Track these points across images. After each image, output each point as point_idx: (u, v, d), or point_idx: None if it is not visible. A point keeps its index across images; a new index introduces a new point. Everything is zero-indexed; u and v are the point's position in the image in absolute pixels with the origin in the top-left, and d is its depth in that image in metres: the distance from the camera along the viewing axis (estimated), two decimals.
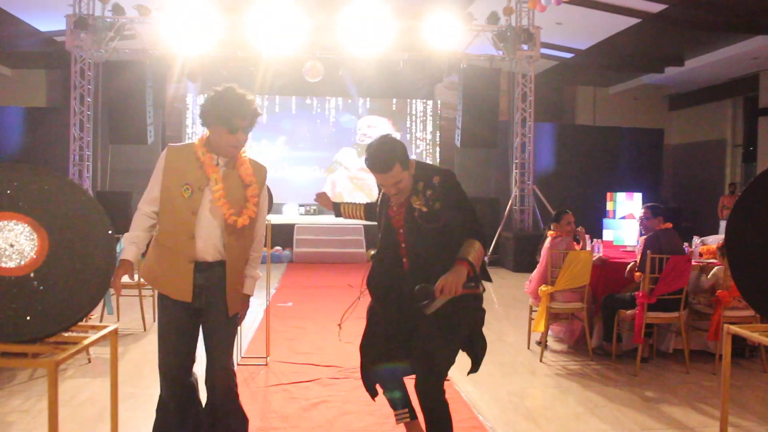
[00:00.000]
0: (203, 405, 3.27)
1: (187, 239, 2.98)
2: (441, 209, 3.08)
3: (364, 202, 3.89)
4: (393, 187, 3.09)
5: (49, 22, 12.44)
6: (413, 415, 3.51)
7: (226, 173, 3.08)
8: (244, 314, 3.35)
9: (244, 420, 3.36)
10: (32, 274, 1.90)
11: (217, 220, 3.03)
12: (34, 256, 1.92)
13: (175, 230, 3.01)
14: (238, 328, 3.48)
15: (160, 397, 3.15)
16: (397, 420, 3.54)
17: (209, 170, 3.00)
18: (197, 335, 3.18)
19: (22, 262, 1.91)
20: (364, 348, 3.54)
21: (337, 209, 3.93)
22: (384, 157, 3.02)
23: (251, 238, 3.21)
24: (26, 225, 1.94)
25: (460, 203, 3.14)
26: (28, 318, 1.86)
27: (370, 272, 3.48)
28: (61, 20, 11.78)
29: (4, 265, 1.88)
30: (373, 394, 3.51)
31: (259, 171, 3.22)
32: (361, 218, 3.90)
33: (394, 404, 3.51)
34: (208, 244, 3.03)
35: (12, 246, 1.92)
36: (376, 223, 3.48)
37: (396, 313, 3.32)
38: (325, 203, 3.99)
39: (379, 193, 3.42)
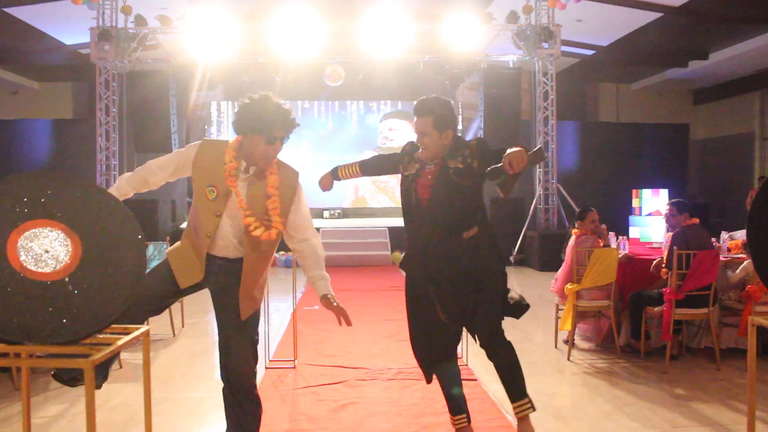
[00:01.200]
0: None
1: (204, 237, 3.04)
2: (479, 166, 3.30)
3: (358, 161, 4.09)
4: (420, 137, 3.39)
5: (73, 35, 12.68)
6: (469, 419, 3.73)
7: (252, 182, 3.08)
8: (345, 314, 3.23)
9: (258, 404, 3.30)
10: (67, 279, 1.96)
11: (240, 226, 3.06)
12: (69, 261, 1.97)
13: (198, 226, 3.08)
14: (267, 330, 3.51)
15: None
16: (455, 425, 3.71)
17: (229, 181, 3.01)
18: (169, 299, 3.22)
19: (57, 267, 1.96)
20: (419, 347, 3.69)
21: (335, 173, 4.09)
22: (425, 103, 3.40)
23: (274, 244, 3.19)
24: (60, 231, 1.99)
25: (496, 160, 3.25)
26: (64, 321, 1.92)
27: (404, 259, 3.68)
28: (86, 33, 12.00)
29: (40, 270, 1.94)
30: (429, 379, 3.75)
31: (290, 178, 3.22)
32: (358, 174, 4.06)
33: (453, 403, 3.71)
34: (228, 245, 3.09)
35: (47, 252, 1.97)
36: (374, 177, 3.87)
37: (434, 287, 3.50)
38: (326, 182, 4.16)
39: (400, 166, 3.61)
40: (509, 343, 3.54)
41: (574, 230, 5.99)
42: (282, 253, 12.35)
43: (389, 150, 16.27)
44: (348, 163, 4.08)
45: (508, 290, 3.59)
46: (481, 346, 3.55)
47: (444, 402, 4.14)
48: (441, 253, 3.45)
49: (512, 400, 3.55)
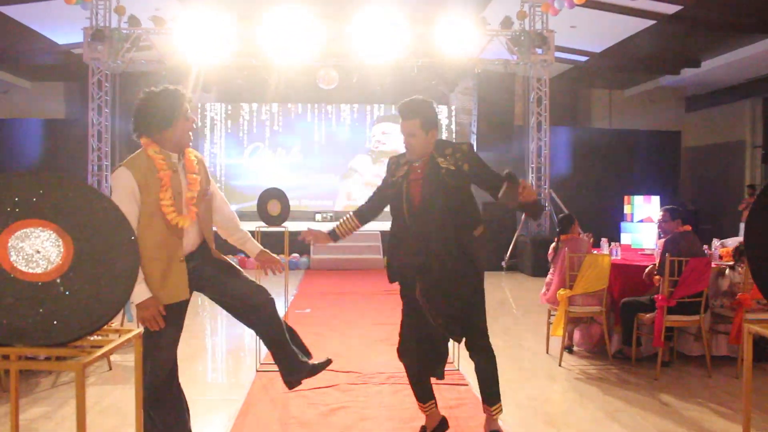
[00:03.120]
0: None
1: (177, 240, 3.13)
2: (469, 169, 3.49)
3: (352, 212, 3.95)
4: (407, 138, 3.47)
5: (66, 35, 12.62)
6: (436, 403, 3.87)
7: (182, 170, 3.22)
8: (277, 262, 3.58)
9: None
10: (58, 280, 1.93)
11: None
12: (60, 262, 1.95)
13: (165, 239, 3.09)
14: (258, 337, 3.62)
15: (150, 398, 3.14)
16: (426, 412, 3.81)
17: (164, 174, 3.08)
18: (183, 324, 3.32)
19: (49, 268, 1.94)
20: (410, 357, 3.74)
21: (333, 234, 3.86)
22: (410, 106, 3.48)
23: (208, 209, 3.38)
24: (52, 231, 1.97)
25: (486, 166, 3.60)
26: (55, 322, 1.89)
27: (389, 261, 3.75)
28: (79, 33, 11.95)
29: (31, 270, 1.91)
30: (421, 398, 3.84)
31: (198, 156, 3.36)
32: (357, 227, 3.91)
33: (423, 392, 3.77)
34: (191, 238, 3.23)
35: (38, 252, 1.95)
36: (372, 222, 3.89)
37: (425, 288, 3.52)
38: (319, 238, 3.85)
39: (384, 182, 3.72)
40: (490, 346, 3.71)
41: (564, 236, 6.02)
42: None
43: (382, 153, 16.29)
44: (343, 219, 3.92)
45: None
46: (469, 344, 3.66)
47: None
48: (445, 251, 3.48)
49: (490, 402, 3.70)
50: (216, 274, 3.33)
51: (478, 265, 3.60)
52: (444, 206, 3.47)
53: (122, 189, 3.02)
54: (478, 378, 3.75)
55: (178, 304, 3.17)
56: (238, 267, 3.44)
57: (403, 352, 3.75)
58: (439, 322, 3.50)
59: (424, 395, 3.81)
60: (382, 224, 13.95)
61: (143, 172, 3.05)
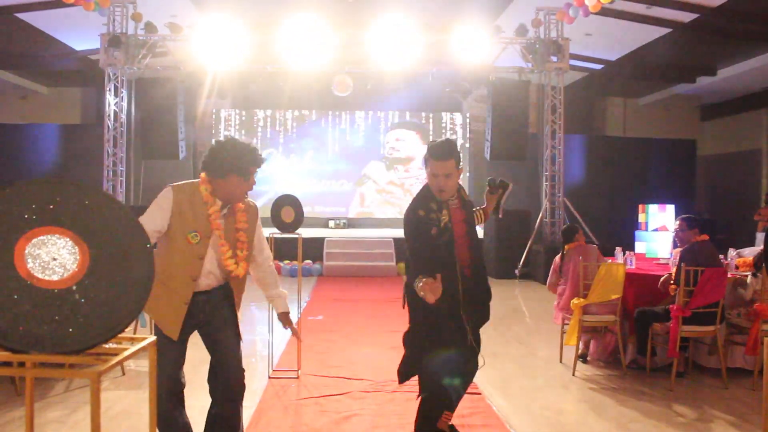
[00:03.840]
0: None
1: (189, 281, 3.13)
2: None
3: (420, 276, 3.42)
4: (443, 178, 3.44)
5: (83, 41, 12.75)
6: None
7: (227, 220, 3.21)
8: (294, 330, 3.65)
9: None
10: (74, 287, 1.94)
11: (220, 261, 3.20)
12: (76, 269, 1.95)
13: (177, 272, 3.12)
14: (271, 340, 3.58)
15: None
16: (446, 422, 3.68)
17: (215, 224, 3.13)
18: (186, 346, 3.31)
19: (65, 275, 1.94)
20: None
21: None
22: (447, 147, 3.50)
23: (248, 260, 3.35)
24: (68, 239, 1.97)
25: None
26: (71, 330, 1.90)
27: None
28: (95, 39, 12.07)
29: (47, 278, 1.92)
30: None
31: (253, 209, 3.37)
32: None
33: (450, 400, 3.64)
34: (211, 281, 3.21)
35: (55, 259, 1.96)
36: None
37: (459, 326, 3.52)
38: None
39: (425, 226, 3.48)
40: None
41: (569, 245, 6.03)
42: (287, 262, 12.35)
43: (396, 160, 16.31)
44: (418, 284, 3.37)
45: None
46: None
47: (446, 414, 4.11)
48: (472, 283, 3.57)
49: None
50: (221, 326, 3.29)
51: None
52: (476, 238, 3.67)
53: (157, 202, 3.13)
54: None
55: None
56: (239, 340, 3.37)
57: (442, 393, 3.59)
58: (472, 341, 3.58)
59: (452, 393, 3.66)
60: (395, 231, 13.97)
61: (185, 199, 3.11)
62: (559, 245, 11.85)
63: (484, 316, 3.72)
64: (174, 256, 3.11)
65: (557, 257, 6.20)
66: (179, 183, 3.20)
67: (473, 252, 3.59)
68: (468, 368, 3.64)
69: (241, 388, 3.34)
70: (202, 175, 3.19)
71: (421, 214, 3.49)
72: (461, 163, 3.63)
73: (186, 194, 3.14)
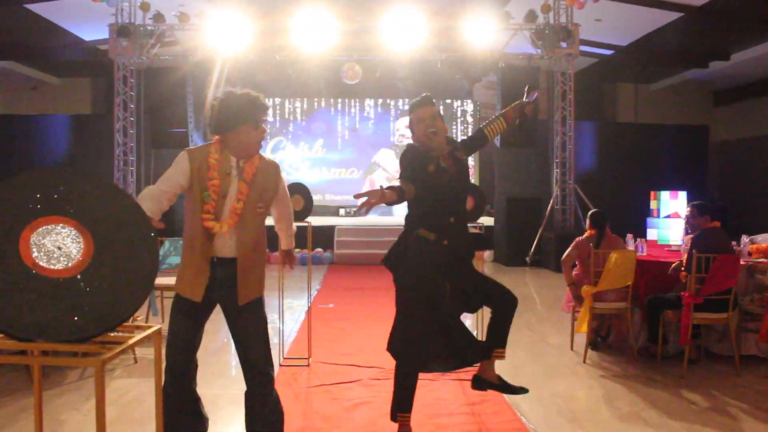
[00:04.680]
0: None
1: (206, 239, 3.13)
2: (464, 152, 3.81)
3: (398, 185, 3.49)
4: (430, 120, 3.54)
5: (92, 31, 12.76)
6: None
7: (240, 176, 3.18)
8: (293, 264, 3.97)
9: (280, 412, 3.43)
10: (79, 276, 1.94)
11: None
12: (81, 258, 1.95)
13: (197, 232, 3.14)
14: (282, 328, 3.57)
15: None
16: (403, 424, 3.72)
17: (210, 183, 3.11)
18: (203, 327, 3.31)
19: (69, 264, 1.94)
20: (423, 345, 3.68)
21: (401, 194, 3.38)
22: (428, 96, 3.66)
23: (262, 231, 3.33)
24: (72, 228, 1.97)
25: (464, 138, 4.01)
26: (76, 318, 1.90)
27: (413, 258, 3.64)
28: (104, 29, 12.06)
29: (52, 266, 1.92)
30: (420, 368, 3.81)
31: (272, 166, 3.35)
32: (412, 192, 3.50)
33: (410, 402, 3.73)
34: (227, 241, 3.17)
35: (59, 248, 1.96)
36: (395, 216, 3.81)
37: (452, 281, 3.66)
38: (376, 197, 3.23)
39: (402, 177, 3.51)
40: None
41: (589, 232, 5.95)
42: (297, 250, 12.37)
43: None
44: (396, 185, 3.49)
45: None
46: (501, 302, 3.69)
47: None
48: (458, 231, 3.69)
49: (497, 345, 3.71)
50: (242, 315, 3.25)
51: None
52: (466, 194, 3.78)
53: (174, 166, 3.16)
54: (495, 321, 3.72)
55: (192, 302, 3.17)
56: (258, 312, 3.32)
57: (413, 354, 3.65)
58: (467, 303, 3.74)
59: (409, 404, 3.73)
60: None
61: (199, 162, 3.12)
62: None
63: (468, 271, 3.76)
64: (195, 216, 3.13)
65: (586, 241, 5.93)
66: (191, 149, 3.21)
67: (462, 206, 3.77)
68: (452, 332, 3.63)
69: (263, 368, 3.28)
70: (214, 137, 3.21)
71: (422, 149, 3.57)
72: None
73: (201, 154, 3.15)
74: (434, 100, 3.68)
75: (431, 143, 3.55)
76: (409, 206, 3.68)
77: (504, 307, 3.70)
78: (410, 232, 3.67)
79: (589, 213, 6.15)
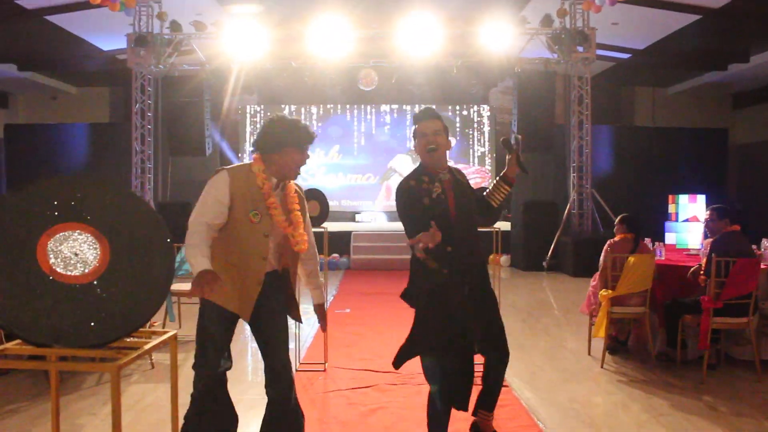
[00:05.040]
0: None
1: (259, 260, 3.14)
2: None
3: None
4: (432, 136, 3.45)
5: (110, 41, 12.90)
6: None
7: (281, 198, 3.25)
8: (325, 322, 3.67)
9: (300, 416, 3.44)
10: (96, 282, 1.96)
11: (277, 240, 3.23)
12: (97, 265, 1.98)
13: (246, 252, 3.13)
14: (298, 333, 3.59)
15: (194, 396, 3.18)
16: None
17: (270, 201, 3.16)
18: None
19: (86, 270, 1.97)
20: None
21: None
22: (430, 109, 3.57)
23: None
24: (89, 235, 2.00)
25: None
26: (93, 324, 1.92)
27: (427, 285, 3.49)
28: (122, 39, 12.21)
29: (69, 272, 1.95)
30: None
31: (301, 189, 3.43)
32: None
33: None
34: (273, 261, 3.24)
35: (76, 255, 1.98)
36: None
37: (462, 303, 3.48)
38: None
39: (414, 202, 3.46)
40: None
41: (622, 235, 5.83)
42: None
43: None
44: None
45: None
46: (496, 351, 3.61)
47: (472, 409, 4.09)
48: (465, 252, 3.51)
49: (484, 407, 3.70)
50: (272, 317, 3.27)
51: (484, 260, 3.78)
52: (470, 212, 3.58)
53: (215, 188, 3.10)
54: (488, 379, 3.67)
55: (233, 314, 3.18)
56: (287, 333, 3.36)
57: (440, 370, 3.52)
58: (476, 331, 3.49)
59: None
60: None
61: (241, 182, 3.13)
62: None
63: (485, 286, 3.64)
64: (242, 237, 3.13)
65: (617, 241, 5.79)
66: (231, 166, 3.22)
67: (466, 228, 3.53)
68: (463, 360, 3.49)
69: (288, 374, 3.30)
70: (255, 156, 3.23)
71: (413, 183, 3.49)
72: (450, 136, 3.62)
73: (241, 174, 3.16)
74: (438, 113, 3.60)
75: (430, 160, 3.49)
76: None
77: (499, 360, 3.64)
78: (415, 260, 3.56)
79: (623, 217, 6.00)
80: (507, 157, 3.73)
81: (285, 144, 3.15)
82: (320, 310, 3.60)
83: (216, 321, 3.16)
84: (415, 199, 3.43)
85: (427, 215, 3.33)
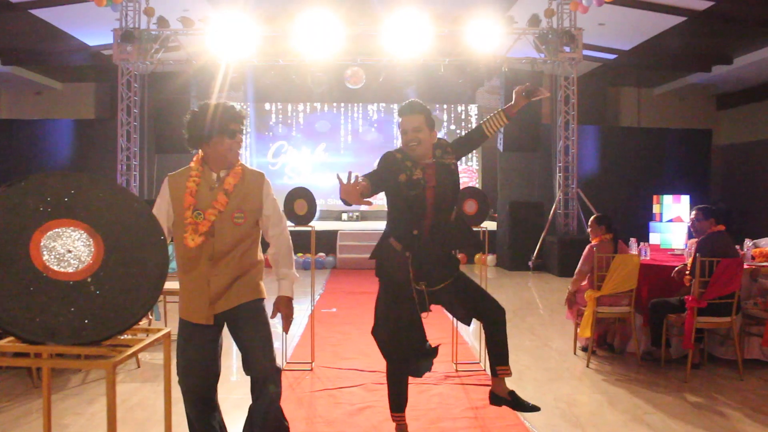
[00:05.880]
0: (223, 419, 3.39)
1: (206, 260, 3.03)
2: (455, 152, 3.65)
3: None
4: (413, 133, 3.49)
5: (96, 36, 12.82)
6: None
7: (221, 189, 3.08)
8: (290, 318, 3.28)
9: (284, 428, 3.33)
10: (89, 279, 1.96)
11: (226, 238, 3.07)
12: (91, 262, 1.97)
13: (194, 256, 3.02)
14: (284, 334, 3.53)
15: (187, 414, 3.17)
16: (399, 423, 3.91)
17: (187, 200, 3.02)
18: (219, 350, 3.21)
19: (80, 267, 1.96)
20: (395, 344, 3.98)
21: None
22: (413, 102, 3.58)
23: (254, 238, 3.20)
24: (83, 231, 1.99)
25: (460, 137, 3.80)
26: (86, 321, 1.92)
27: (383, 262, 3.89)
28: (108, 35, 12.13)
29: (63, 270, 1.94)
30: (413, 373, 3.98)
31: (256, 176, 3.22)
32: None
33: (403, 400, 3.92)
34: (226, 259, 3.08)
35: (70, 252, 1.98)
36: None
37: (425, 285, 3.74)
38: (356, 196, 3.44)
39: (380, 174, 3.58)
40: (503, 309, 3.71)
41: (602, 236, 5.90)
42: (300, 254, 12.38)
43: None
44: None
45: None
46: (485, 315, 3.69)
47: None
48: (436, 237, 3.60)
49: (499, 363, 3.71)
50: (242, 320, 3.14)
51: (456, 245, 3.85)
52: (450, 201, 3.61)
53: (159, 197, 3.11)
54: (492, 339, 3.72)
55: (200, 325, 3.07)
56: (270, 332, 3.19)
57: (392, 350, 3.93)
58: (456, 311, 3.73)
59: (399, 404, 3.85)
60: None
61: (180, 184, 3.06)
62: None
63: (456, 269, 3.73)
64: (181, 240, 3.03)
65: (599, 244, 5.88)
66: (174, 172, 3.14)
67: (441, 220, 3.56)
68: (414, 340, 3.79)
69: (267, 378, 3.13)
70: (196, 154, 3.16)
71: (399, 156, 3.56)
72: (434, 128, 3.64)
73: (182, 177, 3.09)
74: (423, 107, 3.56)
75: (413, 154, 3.53)
76: (387, 212, 3.75)
77: (492, 321, 3.70)
78: (385, 237, 3.70)
79: (598, 217, 6.05)
80: (521, 95, 3.72)
81: (211, 134, 3.03)
82: (283, 304, 3.24)
83: (185, 330, 3.09)
84: (391, 168, 3.52)
85: (401, 191, 3.43)
